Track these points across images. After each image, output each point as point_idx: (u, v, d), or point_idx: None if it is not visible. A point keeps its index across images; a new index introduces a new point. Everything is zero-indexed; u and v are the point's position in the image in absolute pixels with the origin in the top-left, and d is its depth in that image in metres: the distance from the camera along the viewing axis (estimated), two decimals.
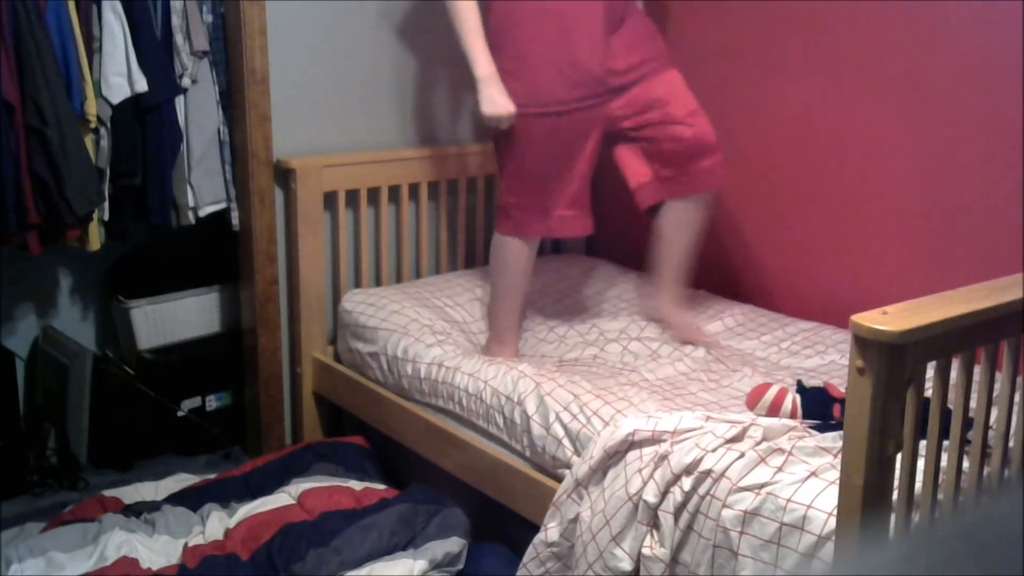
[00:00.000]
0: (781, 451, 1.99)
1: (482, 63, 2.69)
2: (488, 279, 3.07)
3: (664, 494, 2.01)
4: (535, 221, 2.78)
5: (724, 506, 1.93)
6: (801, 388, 2.31)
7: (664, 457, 2.04)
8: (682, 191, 2.82)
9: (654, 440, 2.08)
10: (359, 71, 3.16)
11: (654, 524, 2.03)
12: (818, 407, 2.25)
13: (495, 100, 2.66)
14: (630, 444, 2.10)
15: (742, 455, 1.97)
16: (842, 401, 2.21)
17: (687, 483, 1.99)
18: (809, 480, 1.89)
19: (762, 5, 3.01)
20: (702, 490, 1.97)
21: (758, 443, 2.02)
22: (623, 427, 2.12)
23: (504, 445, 2.48)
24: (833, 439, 2.03)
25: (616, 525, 2.05)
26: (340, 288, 3.15)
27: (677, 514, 2.00)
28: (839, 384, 2.34)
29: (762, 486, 1.91)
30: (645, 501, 2.02)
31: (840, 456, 1.67)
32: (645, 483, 2.04)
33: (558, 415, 2.32)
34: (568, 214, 2.78)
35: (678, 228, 2.87)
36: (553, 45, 2.67)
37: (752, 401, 2.31)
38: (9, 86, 2.57)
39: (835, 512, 1.70)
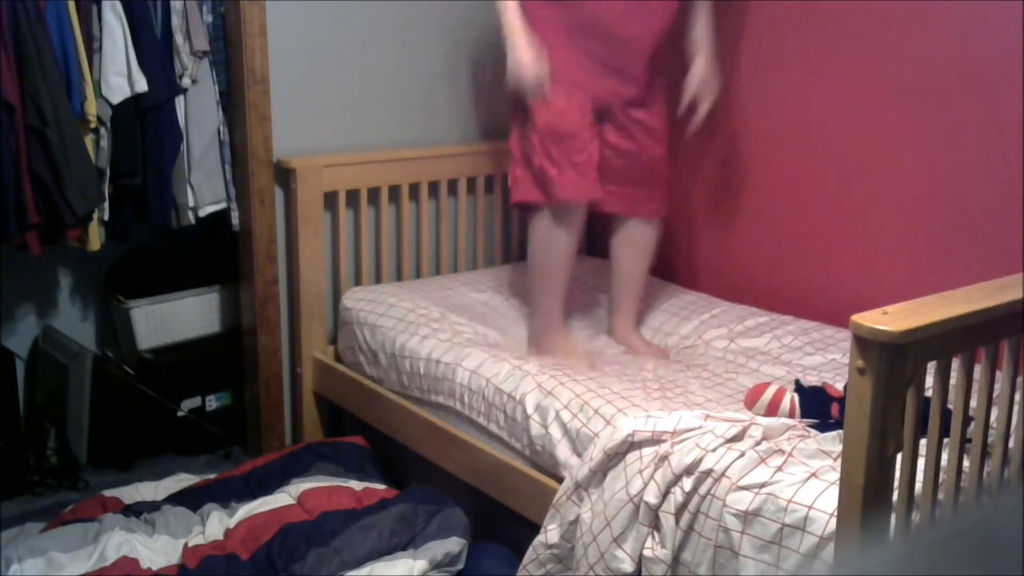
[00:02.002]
0: (781, 452, 1.99)
1: (514, 28, 2.63)
2: (491, 279, 3.06)
3: (665, 495, 2.01)
4: (567, 177, 2.67)
5: (725, 506, 1.92)
6: (799, 387, 2.31)
7: (664, 458, 2.03)
8: (629, 211, 2.86)
9: (654, 441, 2.08)
10: (359, 71, 3.16)
11: (655, 525, 2.03)
12: (816, 406, 2.25)
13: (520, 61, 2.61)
14: (630, 445, 2.10)
15: (742, 455, 1.97)
16: (840, 400, 2.20)
17: (688, 483, 1.99)
18: (810, 481, 1.88)
19: (762, 5, 3.01)
20: (703, 490, 1.97)
21: (758, 443, 2.01)
22: (622, 428, 2.12)
23: (505, 444, 2.48)
24: (833, 440, 2.03)
25: (617, 526, 2.05)
26: (340, 288, 3.15)
27: (678, 514, 1.99)
28: (837, 383, 2.34)
29: (762, 486, 1.90)
30: (646, 502, 2.01)
31: (840, 457, 1.67)
32: (646, 484, 2.03)
33: (558, 413, 2.32)
34: (579, 177, 2.68)
35: (627, 247, 2.91)
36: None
37: (750, 401, 2.31)
38: (9, 86, 2.57)
39: (836, 513, 1.70)
